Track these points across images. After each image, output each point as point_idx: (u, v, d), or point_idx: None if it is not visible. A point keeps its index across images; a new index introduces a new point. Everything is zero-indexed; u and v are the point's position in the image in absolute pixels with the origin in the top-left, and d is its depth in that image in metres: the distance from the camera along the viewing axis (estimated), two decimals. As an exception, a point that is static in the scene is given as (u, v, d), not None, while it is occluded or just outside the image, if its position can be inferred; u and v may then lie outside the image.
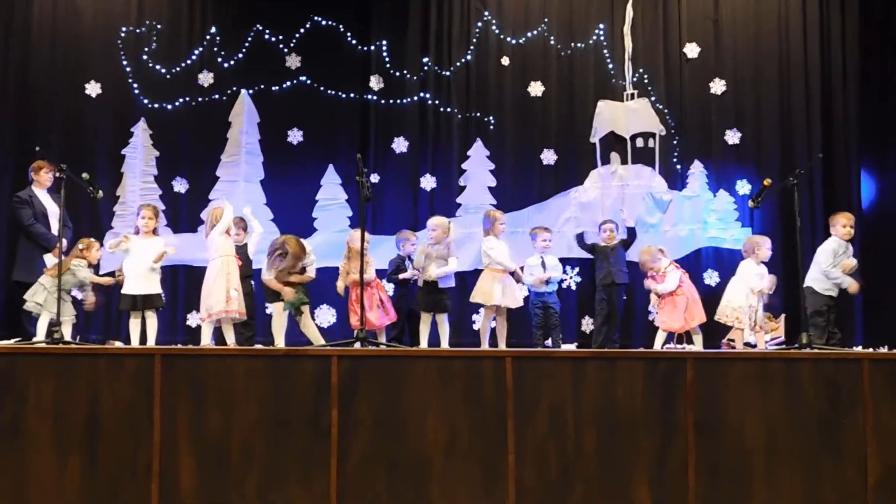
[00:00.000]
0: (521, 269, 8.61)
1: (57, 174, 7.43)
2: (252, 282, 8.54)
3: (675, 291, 8.54)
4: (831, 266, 8.10)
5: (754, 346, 8.50)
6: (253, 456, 5.22)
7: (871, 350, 7.94)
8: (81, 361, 5.29)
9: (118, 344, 8.25)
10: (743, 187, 10.00)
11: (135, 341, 7.86)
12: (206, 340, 7.58)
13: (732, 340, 8.73)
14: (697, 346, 8.46)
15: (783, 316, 9.18)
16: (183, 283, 9.65)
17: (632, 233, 9.08)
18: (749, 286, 8.33)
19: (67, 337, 7.58)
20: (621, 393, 5.46)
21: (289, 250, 7.62)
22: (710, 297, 8.90)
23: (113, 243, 8.07)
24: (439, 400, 5.37)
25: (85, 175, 7.10)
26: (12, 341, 7.46)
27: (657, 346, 8.55)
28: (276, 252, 7.62)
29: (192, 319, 9.53)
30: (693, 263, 9.74)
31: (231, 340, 7.61)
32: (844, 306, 8.78)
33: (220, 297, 7.53)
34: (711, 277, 9.79)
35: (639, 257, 8.82)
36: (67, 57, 9.93)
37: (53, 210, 8.26)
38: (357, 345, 6.53)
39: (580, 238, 9.29)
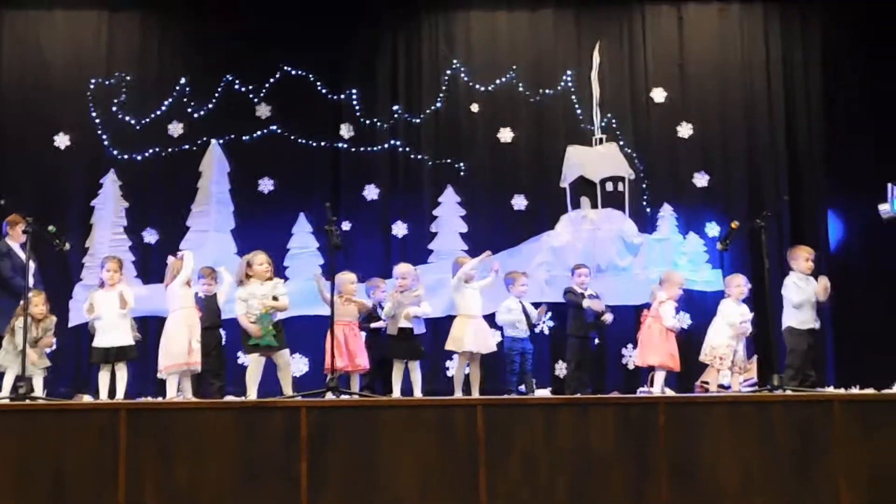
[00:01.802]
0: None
1: (23, 228, 7.39)
2: (222, 331, 8.48)
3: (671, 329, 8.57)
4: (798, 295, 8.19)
5: (728, 387, 8.49)
6: (221, 510, 5.14)
7: (842, 390, 7.97)
8: (45, 417, 5.23)
9: (87, 398, 8.13)
10: (712, 229, 10.06)
11: (104, 394, 7.76)
12: (172, 393, 7.50)
13: (706, 383, 8.71)
14: (657, 390, 8.41)
15: (755, 357, 9.20)
16: (153, 334, 9.53)
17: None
18: (727, 324, 8.35)
19: (38, 391, 7.49)
20: (594, 439, 5.45)
21: None
22: (681, 340, 8.88)
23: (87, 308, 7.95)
24: (411, 449, 5.33)
25: (51, 228, 7.06)
26: (-21, 397, 7.34)
27: (657, 388, 8.45)
28: None
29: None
30: (665, 306, 9.74)
31: (189, 393, 7.55)
32: (816, 346, 8.80)
33: (183, 349, 7.49)
34: (682, 320, 9.78)
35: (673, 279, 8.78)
36: (36, 108, 9.90)
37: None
38: (328, 394, 6.48)
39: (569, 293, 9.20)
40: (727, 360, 8.28)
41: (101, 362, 7.79)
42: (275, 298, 7.62)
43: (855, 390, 8.20)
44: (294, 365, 9.36)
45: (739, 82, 10.32)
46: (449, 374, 9.25)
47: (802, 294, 8.26)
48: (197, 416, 5.31)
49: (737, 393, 7.91)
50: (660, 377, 8.49)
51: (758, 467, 5.45)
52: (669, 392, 8.35)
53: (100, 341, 7.80)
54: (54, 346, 8.12)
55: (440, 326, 9.05)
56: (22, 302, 7.45)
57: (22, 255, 8.28)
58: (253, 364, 7.61)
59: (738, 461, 5.46)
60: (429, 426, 5.37)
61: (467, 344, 8.27)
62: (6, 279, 8.22)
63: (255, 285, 7.60)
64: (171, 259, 7.99)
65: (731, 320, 8.31)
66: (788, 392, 6.65)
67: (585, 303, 8.94)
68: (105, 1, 10.22)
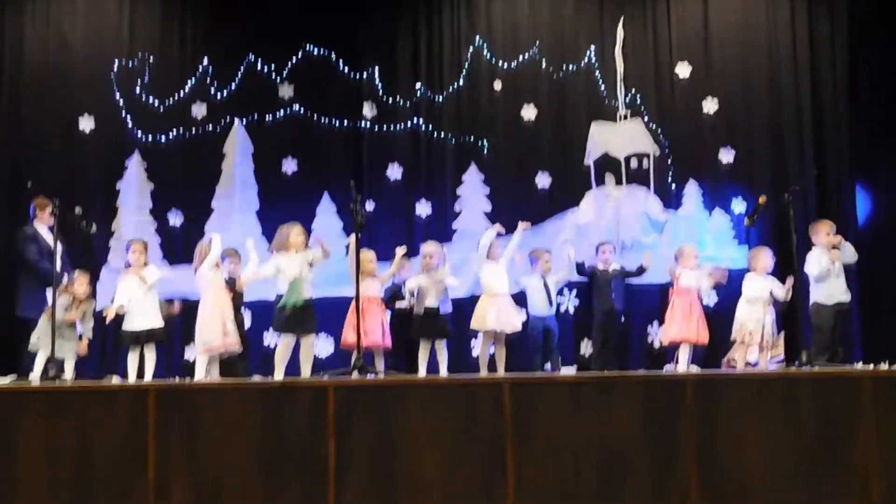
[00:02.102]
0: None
1: (50, 210, 7.44)
2: (246, 312, 8.51)
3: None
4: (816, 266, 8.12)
5: (756, 364, 8.44)
6: (249, 491, 5.16)
7: (871, 366, 7.90)
8: (74, 399, 5.25)
9: (116, 379, 8.18)
10: (738, 205, 9.97)
11: (132, 376, 7.82)
12: (201, 374, 7.54)
13: (734, 360, 8.66)
14: (682, 366, 8.39)
15: (782, 334, 9.13)
16: (179, 316, 9.59)
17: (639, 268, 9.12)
18: (749, 299, 8.30)
19: (69, 373, 7.56)
20: (620, 417, 5.40)
21: None
22: (708, 317, 8.84)
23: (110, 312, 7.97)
24: (437, 428, 5.32)
25: (78, 210, 7.08)
26: (7, 379, 7.41)
27: (682, 364, 8.43)
28: None
29: (189, 353, 9.47)
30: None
31: (216, 375, 7.59)
32: (844, 321, 8.72)
33: (218, 332, 7.53)
34: (710, 297, 9.72)
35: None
36: (59, 91, 9.93)
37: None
38: (354, 374, 6.50)
39: (580, 267, 9.20)
40: (756, 335, 8.23)
41: (132, 345, 7.85)
42: (310, 265, 7.71)
43: (883, 367, 8.12)
44: (320, 346, 9.42)
45: (764, 56, 10.16)
46: (475, 353, 9.25)
47: (820, 265, 8.20)
48: (225, 397, 5.32)
49: (764, 370, 7.86)
50: (684, 353, 8.45)
51: (785, 445, 5.39)
52: (695, 369, 8.31)
53: (130, 325, 7.86)
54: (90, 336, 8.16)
55: (465, 306, 9.04)
56: (63, 282, 7.53)
57: (49, 238, 8.34)
58: (282, 344, 7.66)
59: (766, 439, 5.40)
60: (455, 405, 5.35)
61: (490, 323, 8.25)
62: (32, 263, 8.28)
63: (291, 253, 7.69)
64: (206, 239, 8.03)
65: (754, 294, 8.26)
66: (816, 369, 6.60)
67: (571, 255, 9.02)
68: (125, -19, 10.24)
